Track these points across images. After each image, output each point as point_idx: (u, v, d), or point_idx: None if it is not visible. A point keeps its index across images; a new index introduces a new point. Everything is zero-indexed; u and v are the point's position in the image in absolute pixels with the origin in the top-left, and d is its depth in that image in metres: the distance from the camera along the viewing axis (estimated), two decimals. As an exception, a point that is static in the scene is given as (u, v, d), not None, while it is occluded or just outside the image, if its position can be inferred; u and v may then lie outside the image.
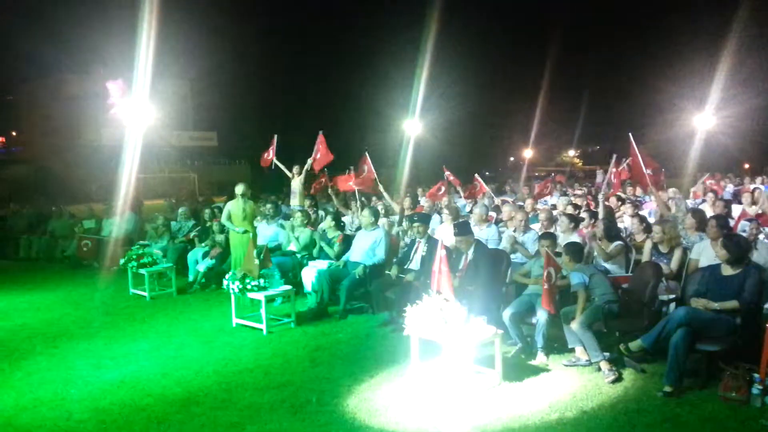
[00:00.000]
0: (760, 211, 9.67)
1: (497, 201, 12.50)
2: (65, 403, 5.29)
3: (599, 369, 5.45)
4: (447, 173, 14.04)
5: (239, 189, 9.03)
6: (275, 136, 13.20)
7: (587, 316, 5.56)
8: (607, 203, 9.76)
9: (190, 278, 9.91)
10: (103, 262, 11.53)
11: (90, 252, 12.15)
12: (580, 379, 5.38)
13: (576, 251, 6.15)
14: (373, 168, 11.91)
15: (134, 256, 9.46)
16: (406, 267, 7.59)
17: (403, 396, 5.18)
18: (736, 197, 12.54)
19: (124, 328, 7.66)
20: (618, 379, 5.30)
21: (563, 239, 7.30)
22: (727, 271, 5.32)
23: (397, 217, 10.53)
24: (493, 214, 10.01)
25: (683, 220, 7.73)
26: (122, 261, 9.71)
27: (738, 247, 5.31)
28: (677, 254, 6.53)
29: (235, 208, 8.97)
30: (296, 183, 13.04)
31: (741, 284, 5.17)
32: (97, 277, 11.01)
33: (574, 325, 5.52)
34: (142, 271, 9.32)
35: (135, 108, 12.53)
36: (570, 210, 9.87)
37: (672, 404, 4.78)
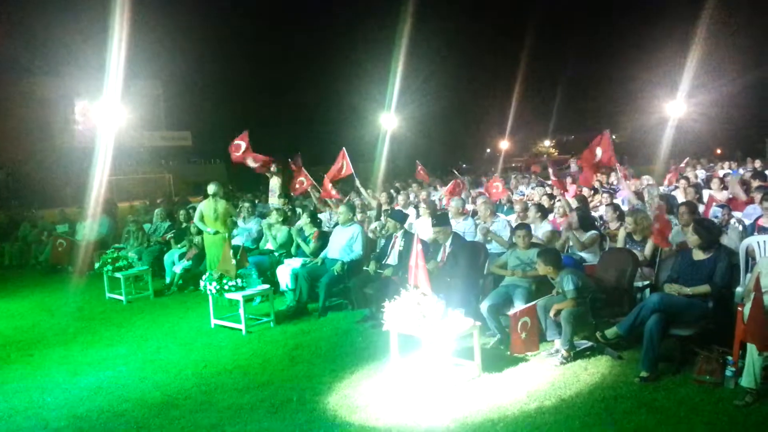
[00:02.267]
0: (730, 196, 9.82)
1: (473, 193, 12.56)
2: (42, 411, 5.22)
3: (556, 352, 5.62)
4: (419, 167, 14.10)
5: (211, 189, 8.94)
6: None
7: (578, 313, 5.57)
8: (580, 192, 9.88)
9: (167, 280, 9.81)
10: (77, 266, 11.39)
11: (64, 253, 11.97)
12: (558, 368, 5.42)
13: (556, 258, 5.97)
14: (350, 165, 11.86)
15: (109, 260, 9.34)
16: (383, 262, 7.60)
17: (383, 391, 5.19)
18: (708, 183, 12.73)
19: (100, 333, 7.58)
20: (564, 363, 5.45)
21: (533, 229, 7.37)
22: (699, 256, 5.40)
23: (374, 212, 10.52)
24: (469, 207, 10.06)
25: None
26: (97, 265, 9.59)
27: (709, 233, 5.39)
28: (650, 242, 6.62)
29: (206, 208, 8.88)
30: (274, 181, 12.96)
31: (712, 268, 5.25)
32: (72, 282, 10.85)
33: (564, 313, 5.50)
34: (118, 274, 9.21)
35: (106, 110, 12.39)
36: (546, 200, 9.97)
37: (648, 389, 4.85)
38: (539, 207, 8.17)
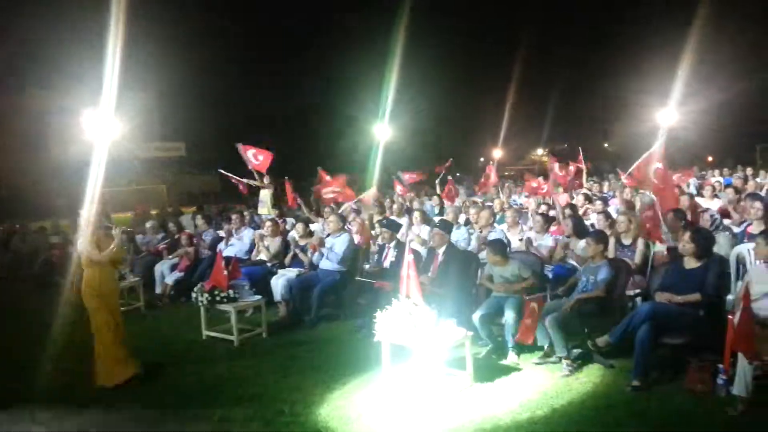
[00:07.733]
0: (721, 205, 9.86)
1: (467, 202, 12.58)
2: (33, 424, 5.16)
3: (545, 357, 5.69)
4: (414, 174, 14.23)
5: None
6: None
7: (562, 315, 5.58)
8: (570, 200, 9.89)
9: (157, 291, 9.76)
10: (69, 278, 11.29)
11: (60, 262, 11.90)
12: (550, 377, 5.43)
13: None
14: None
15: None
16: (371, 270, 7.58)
17: (375, 402, 5.18)
18: (699, 191, 12.77)
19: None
20: (571, 374, 5.43)
21: (535, 238, 7.36)
22: (690, 264, 5.42)
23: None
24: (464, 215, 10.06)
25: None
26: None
27: (706, 241, 5.42)
28: (640, 246, 6.63)
29: None
30: (265, 192, 12.92)
31: (704, 277, 5.27)
32: (63, 294, 10.75)
33: (548, 321, 5.53)
34: (110, 286, 9.13)
35: (100, 122, 12.33)
36: (543, 209, 9.97)
37: (640, 398, 4.86)
38: (545, 218, 8.04)
